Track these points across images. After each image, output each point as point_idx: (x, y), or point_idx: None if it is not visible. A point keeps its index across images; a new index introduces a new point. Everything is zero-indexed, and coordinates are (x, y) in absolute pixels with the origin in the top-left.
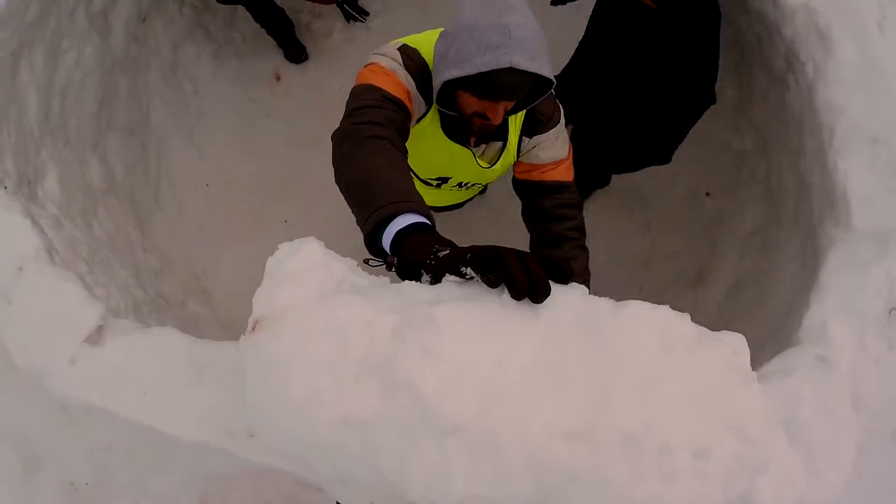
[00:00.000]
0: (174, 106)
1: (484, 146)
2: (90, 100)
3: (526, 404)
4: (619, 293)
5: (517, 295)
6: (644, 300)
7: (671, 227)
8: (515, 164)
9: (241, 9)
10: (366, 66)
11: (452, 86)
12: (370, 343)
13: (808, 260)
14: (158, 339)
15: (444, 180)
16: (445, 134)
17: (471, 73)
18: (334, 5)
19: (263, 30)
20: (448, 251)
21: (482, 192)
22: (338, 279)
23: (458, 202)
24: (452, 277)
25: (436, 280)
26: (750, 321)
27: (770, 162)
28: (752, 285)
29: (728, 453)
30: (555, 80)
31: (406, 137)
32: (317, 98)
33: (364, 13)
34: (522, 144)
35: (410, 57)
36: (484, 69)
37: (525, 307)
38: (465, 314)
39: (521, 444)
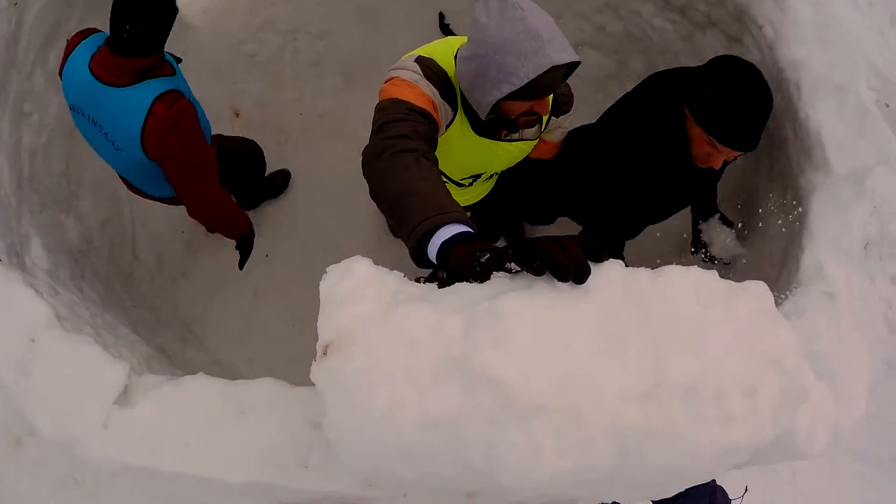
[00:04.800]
0: None
1: (517, 135)
2: (57, 160)
3: (596, 377)
4: None
5: (563, 278)
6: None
7: None
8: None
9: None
10: (386, 81)
11: (500, 99)
12: (442, 344)
13: (791, 208)
14: (190, 386)
15: (477, 176)
16: (477, 133)
17: (522, 85)
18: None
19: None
20: (489, 254)
21: None
22: (392, 291)
23: (484, 195)
24: (500, 274)
25: (483, 280)
26: (747, 275)
27: None
28: (741, 240)
29: (773, 388)
30: (580, 60)
31: (435, 147)
32: (278, 126)
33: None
34: (549, 123)
35: (429, 67)
36: (533, 76)
37: (576, 289)
38: (524, 303)
39: (598, 413)
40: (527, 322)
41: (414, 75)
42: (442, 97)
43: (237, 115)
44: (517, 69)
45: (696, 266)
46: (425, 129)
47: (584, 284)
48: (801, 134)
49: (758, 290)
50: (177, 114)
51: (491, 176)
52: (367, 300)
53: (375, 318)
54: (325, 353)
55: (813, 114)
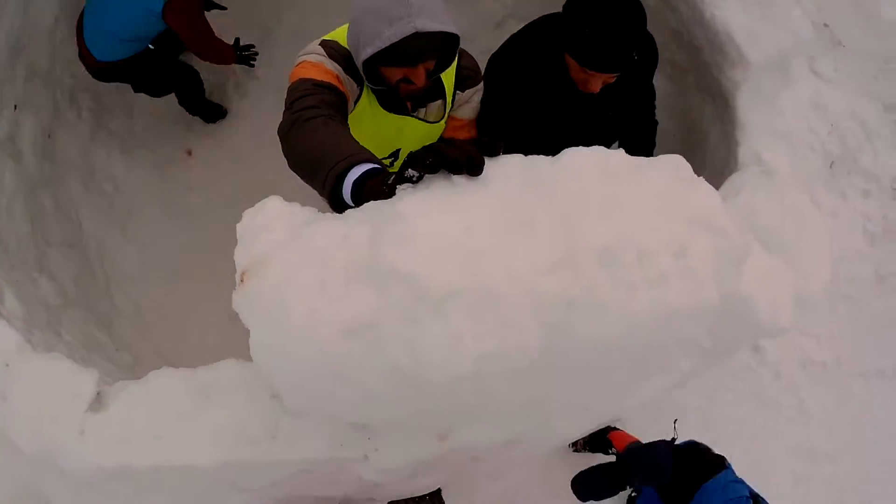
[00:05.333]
0: (101, 209)
1: (424, 109)
2: (22, 221)
3: (505, 253)
4: None
5: (456, 170)
6: None
7: None
8: (453, 121)
9: (137, 100)
10: (295, 66)
11: (374, 63)
12: (350, 252)
13: (722, 112)
14: (155, 382)
15: (396, 155)
16: (385, 108)
17: (384, 47)
18: (230, 58)
19: (162, 113)
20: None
21: None
22: (304, 220)
23: None
24: (403, 186)
25: (391, 196)
26: None
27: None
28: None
29: (705, 247)
30: (459, 35)
31: (345, 114)
32: (231, 156)
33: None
34: (456, 98)
35: (332, 48)
36: (395, 40)
37: (474, 182)
38: (424, 201)
39: (512, 289)
40: (427, 216)
41: (318, 57)
42: (346, 73)
43: (189, 154)
44: (381, 32)
45: (600, 146)
46: (332, 99)
47: (483, 176)
48: (712, 35)
49: (674, 161)
50: None
51: None
52: (279, 228)
53: (286, 242)
54: (241, 281)
55: (718, 12)
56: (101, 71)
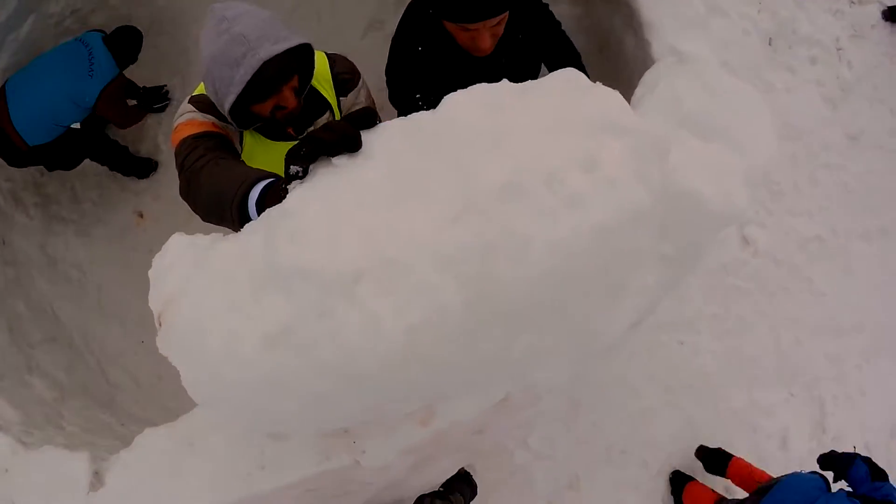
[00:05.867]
0: (73, 296)
1: (311, 128)
2: (1, 331)
3: (402, 219)
4: None
5: (335, 151)
6: None
7: None
8: None
9: (76, 182)
10: (172, 133)
11: (240, 107)
12: (250, 264)
13: (629, 17)
14: (142, 445)
15: None
16: (272, 139)
17: (241, 90)
18: (144, 118)
19: (103, 185)
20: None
21: None
22: (207, 246)
23: None
24: (293, 185)
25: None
26: None
27: None
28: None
29: (617, 151)
30: (308, 42)
31: (234, 151)
32: (177, 205)
33: (164, 98)
34: (342, 105)
35: (200, 101)
36: (248, 78)
37: (358, 158)
38: (309, 192)
39: (416, 252)
40: (313, 205)
41: (189, 115)
42: (221, 119)
43: (141, 216)
44: (232, 77)
45: (481, 84)
46: (214, 143)
47: (365, 149)
48: None
49: (565, 76)
50: None
51: None
52: (185, 263)
53: (192, 274)
54: (160, 325)
55: None
56: (25, 155)
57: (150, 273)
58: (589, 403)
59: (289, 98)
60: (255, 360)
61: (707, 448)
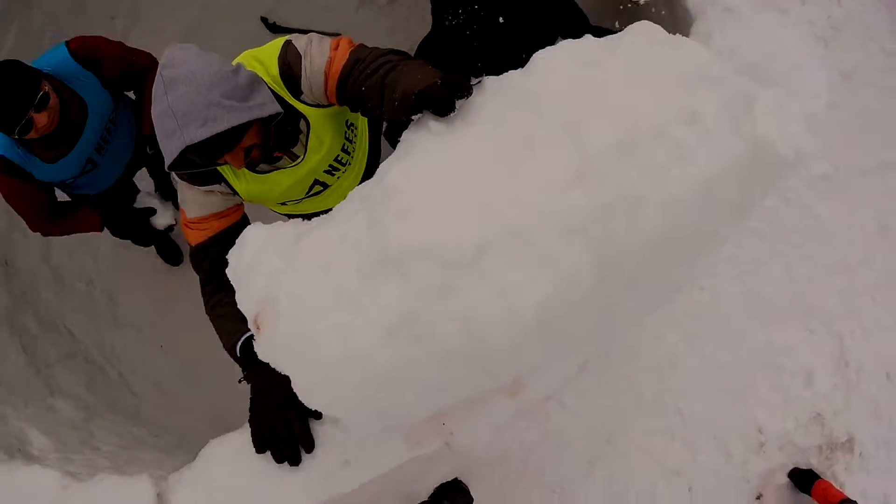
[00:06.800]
0: (84, 309)
1: (297, 144)
2: (14, 354)
3: (518, 184)
4: None
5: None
6: None
7: None
8: (329, 95)
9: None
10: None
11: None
12: (354, 249)
13: None
14: (208, 458)
15: (323, 185)
16: (262, 173)
17: (175, 159)
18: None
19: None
20: None
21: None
22: (293, 237)
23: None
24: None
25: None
26: None
27: None
28: None
29: (712, 103)
30: (253, 116)
31: (237, 227)
32: None
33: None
34: (304, 96)
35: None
36: (174, 155)
37: (456, 123)
38: (410, 165)
39: (540, 219)
40: (420, 178)
41: (186, 203)
42: (210, 184)
43: None
44: (166, 147)
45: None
46: (217, 251)
47: (462, 114)
48: None
49: (643, 28)
50: None
51: (341, 165)
52: (270, 258)
53: (283, 268)
54: (258, 328)
55: None
56: None
57: (229, 272)
58: (617, 356)
59: (235, 160)
60: (375, 355)
61: (799, 469)
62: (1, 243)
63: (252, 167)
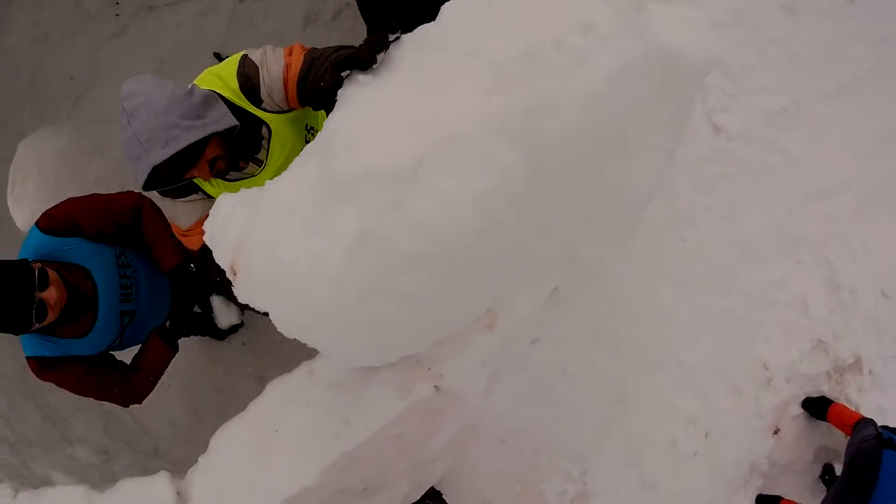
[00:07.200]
0: None
1: (259, 151)
2: (28, 410)
3: (444, 103)
4: None
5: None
6: None
7: None
8: (290, 99)
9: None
10: None
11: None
12: (310, 187)
13: None
14: (220, 444)
15: (308, 130)
16: (232, 181)
17: (143, 183)
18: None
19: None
20: None
21: None
22: (256, 193)
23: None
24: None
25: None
26: None
27: None
28: None
29: (603, 13)
30: (212, 130)
31: None
32: None
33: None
34: (265, 104)
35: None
36: (144, 176)
37: (381, 72)
38: (346, 110)
39: (469, 123)
40: (358, 117)
41: (179, 218)
42: (189, 195)
43: None
44: (135, 170)
45: None
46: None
47: (385, 65)
48: None
49: None
50: None
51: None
52: (240, 213)
53: (251, 218)
54: (234, 274)
55: None
56: None
57: (206, 238)
58: (612, 316)
59: (201, 172)
60: (344, 272)
61: (811, 397)
62: None
63: (222, 176)
